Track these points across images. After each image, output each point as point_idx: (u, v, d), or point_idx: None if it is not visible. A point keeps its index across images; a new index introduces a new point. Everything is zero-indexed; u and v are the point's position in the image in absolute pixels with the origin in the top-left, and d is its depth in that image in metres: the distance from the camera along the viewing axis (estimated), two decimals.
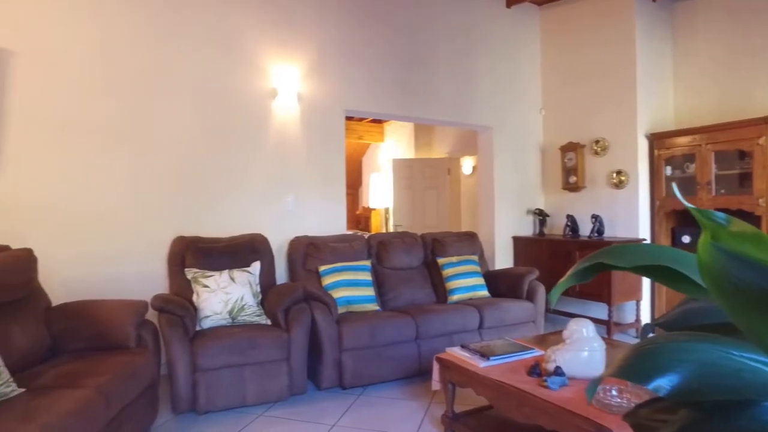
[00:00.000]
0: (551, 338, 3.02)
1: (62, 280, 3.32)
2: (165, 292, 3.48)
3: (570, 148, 5.35)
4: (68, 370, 2.29)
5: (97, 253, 3.43)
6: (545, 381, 2.04)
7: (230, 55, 3.87)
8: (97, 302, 2.82)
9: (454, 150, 7.52)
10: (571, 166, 5.36)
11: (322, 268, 3.67)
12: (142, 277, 3.53)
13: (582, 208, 5.25)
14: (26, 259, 2.67)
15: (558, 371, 2.05)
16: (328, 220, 4.20)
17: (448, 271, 4.13)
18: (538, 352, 2.56)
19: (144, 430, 2.66)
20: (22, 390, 2.03)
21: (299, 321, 3.07)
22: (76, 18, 3.40)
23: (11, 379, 2.01)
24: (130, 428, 2.45)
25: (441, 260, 4.22)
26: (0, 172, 3.23)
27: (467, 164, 7.46)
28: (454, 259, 4.23)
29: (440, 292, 4.13)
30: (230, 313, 3.14)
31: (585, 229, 5.11)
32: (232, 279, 3.23)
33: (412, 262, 4.20)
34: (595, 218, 4.86)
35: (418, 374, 3.48)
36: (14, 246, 2.81)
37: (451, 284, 4.06)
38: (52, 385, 2.12)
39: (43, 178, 3.32)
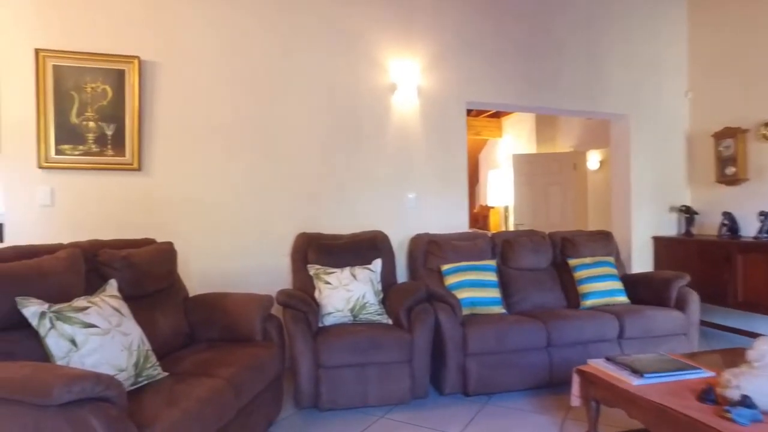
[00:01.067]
0: (716, 357, 2.57)
1: (197, 272, 3.54)
2: (288, 287, 3.55)
3: (727, 134, 4.62)
4: (204, 358, 2.37)
5: (227, 248, 3.61)
6: (728, 412, 1.67)
7: (349, 52, 3.87)
8: (228, 295, 2.92)
9: (579, 143, 6.95)
10: (728, 156, 4.63)
11: (444, 267, 3.51)
12: (267, 271, 3.64)
13: (744, 203, 4.50)
14: (168, 252, 2.84)
15: (747, 402, 1.66)
16: (449, 218, 4.02)
17: (580, 274, 3.75)
18: (706, 373, 2.16)
19: (269, 422, 2.70)
20: (166, 374, 2.13)
21: (422, 322, 2.94)
22: (206, 29, 3.61)
23: (157, 363, 2.11)
24: (258, 419, 2.48)
25: (572, 261, 3.85)
26: (149, 173, 3.52)
27: (594, 158, 6.85)
28: (587, 260, 3.82)
29: (571, 296, 3.76)
30: (352, 310, 3.10)
31: (748, 228, 4.38)
32: (354, 276, 3.19)
33: (540, 263, 3.87)
34: (765, 215, 4.12)
35: (549, 385, 3.17)
36: (158, 240, 3.03)
37: (585, 288, 3.67)
38: (191, 372, 2.19)
39: (182, 178, 3.56)
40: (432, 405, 3.02)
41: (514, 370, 3.10)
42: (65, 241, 3.32)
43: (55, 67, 3.39)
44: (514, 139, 8.11)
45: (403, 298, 3.10)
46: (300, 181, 3.75)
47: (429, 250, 3.66)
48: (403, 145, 3.96)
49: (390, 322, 3.13)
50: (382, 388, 2.89)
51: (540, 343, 3.15)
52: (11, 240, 3.35)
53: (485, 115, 8.24)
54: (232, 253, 3.61)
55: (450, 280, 3.43)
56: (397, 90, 3.91)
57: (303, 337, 2.79)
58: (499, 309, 3.43)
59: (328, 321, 3.09)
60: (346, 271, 3.23)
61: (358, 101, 3.87)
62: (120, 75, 3.47)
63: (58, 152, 3.39)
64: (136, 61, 3.47)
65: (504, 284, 3.68)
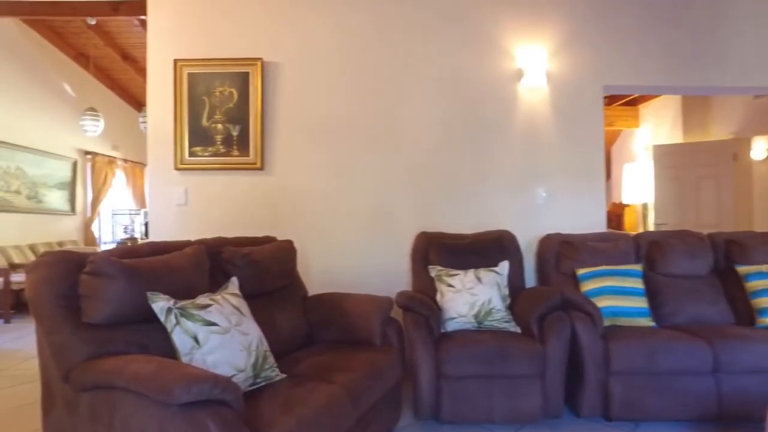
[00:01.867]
0: None
1: (316, 271, 3.52)
2: (408, 288, 3.39)
3: None
4: (321, 362, 2.28)
5: (346, 246, 3.54)
6: None
7: (470, 40, 3.60)
8: (347, 296, 2.83)
9: (741, 129, 5.94)
10: None
11: (580, 272, 3.10)
12: (386, 271, 3.52)
13: None
14: (288, 250, 2.82)
15: None
16: (584, 216, 3.58)
17: (754, 284, 3.10)
18: None
19: None
20: (284, 376, 2.06)
21: (557, 332, 2.59)
22: (323, 27, 3.59)
23: (275, 365, 2.05)
24: (376, 429, 2.34)
25: (742, 269, 3.21)
26: (271, 171, 3.58)
27: (759, 146, 5.81)
28: (763, 268, 3.16)
29: (741, 311, 3.13)
30: (476, 316, 2.84)
31: None
32: (479, 279, 2.94)
33: (697, 269, 3.28)
34: None
35: (717, 419, 2.64)
36: (279, 237, 3.03)
37: (762, 302, 3.03)
38: (308, 375, 2.11)
39: (301, 177, 3.57)
40: (567, 427, 2.66)
41: (668, 396, 2.63)
42: (197, 237, 3.49)
43: (189, 74, 3.58)
44: (654, 128, 7.22)
45: (534, 305, 2.77)
46: (421, 178, 3.57)
47: (562, 251, 3.27)
48: (531, 136, 3.60)
49: (518, 330, 2.83)
50: (509, 405, 2.60)
51: (703, 366, 2.63)
52: (154, 237, 3.60)
53: (619, 103, 7.45)
54: (351, 252, 3.54)
55: (587, 286, 3.02)
56: (524, 77, 3.57)
57: (424, 344, 2.60)
58: (647, 321, 2.95)
59: (451, 327, 2.87)
60: (470, 273, 2.98)
61: (480, 91, 3.59)
62: (245, 77, 3.57)
63: (191, 154, 3.58)
64: (259, 63, 3.54)
65: (651, 293, 3.17)
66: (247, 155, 3.57)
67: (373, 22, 3.59)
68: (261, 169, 3.56)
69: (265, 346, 2.02)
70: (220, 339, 1.81)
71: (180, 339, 1.76)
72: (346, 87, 3.58)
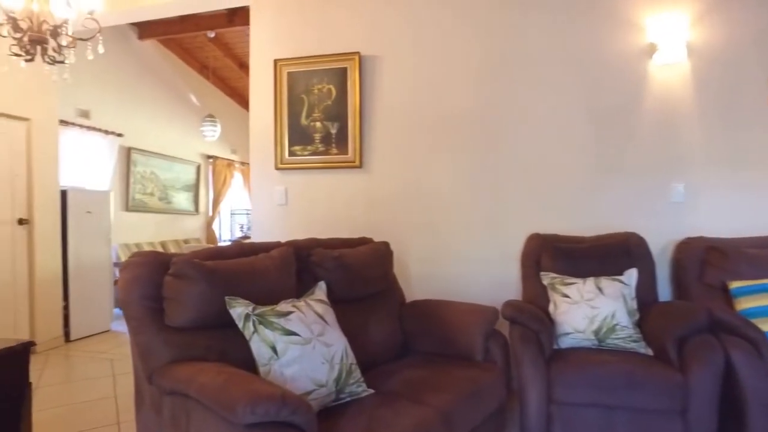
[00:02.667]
0: None
1: (415, 275, 3.30)
2: (516, 297, 3.05)
3: None
4: (415, 377, 2.06)
5: (448, 249, 3.28)
6: None
7: (590, 15, 3.14)
8: (446, 304, 2.58)
9: None
10: None
11: (734, 285, 2.53)
12: (491, 278, 3.20)
13: None
14: (384, 253, 2.64)
15: None
16: (738, 217, 2.94)
17: None
18: None
19: None
20: (371, 391, 1.87)
21: (703, 360, 2.10)
22: (422, 16, 3.34)
23: (362, 379, 1.87)
24: None
25: None
26: (369, 169, 3.44)
27: None
28: None
29: None
30: (596, 333, 2.43)
31: None
32: (600, 289, 2.52)
33: None
34: None
35: None
36: (376, 239, 2.87)
37: None
38: (398, 393, 1.90)
39: (401, 175, 3.38)
40: None
41: None
42: (295, 238, 3.45)
43: (288, 74, 3.57)
44: None
45: (672, 324, 2.30)
46: (532, 173, 3.19)
47: (707, 259, 2.71)
48: (666, 122, 3.05)
49: (650, 352, 2.36)
50: None
51: None
52: (256, 237, 3.64)
53: None
54: (454, 255, 3.27)
55: (745, 304, 2.45)
56: (657, 52, 3.03)
57: (533, 362, 2.26)
58: None
59: (565, 343, 2.49)
60: (590, 282, 2.57)
61: (602, 72, 3.12)
62: (342, 73, 3.47)
63: (291, 153, 3.56)
64: (356, 57, 3.42)
65: None
66: (346, 153, 3.46)
67: (477, 6, 3.28)
68: (359, 167, 3.43)
69: (351, 358, 1.85)
70: (300, 350, 1.66)
71: (258, 348, 1.64)
72: (448, 78, 3.32)
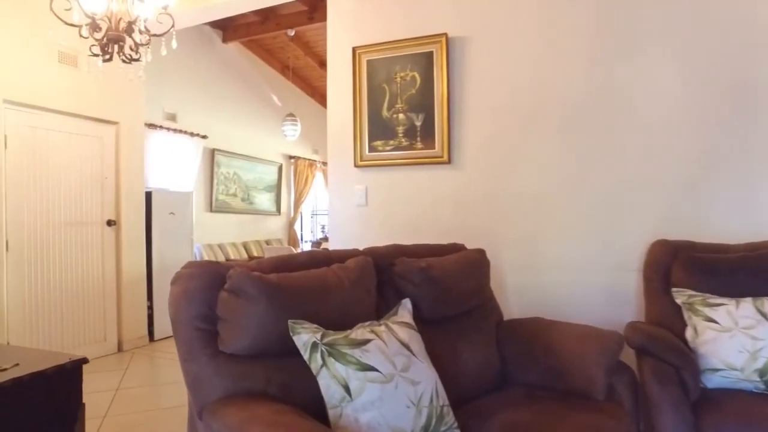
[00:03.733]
0: None
1: (512, 288, 2.86)
2: (635, 317, 2.52)
3: None
4: (519, 421, 1.64)
5: (551, 258, 2.80)
6: None
7: None
8: (555, 325, 2.13)
9: None
10: None
11: None
12: (603, 291, 2.68)
13: None
14: (479, 262, 2.24)
15: None
16: None
17: None
18: None
19: None
20: None
21: None
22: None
23: (455, 424, 1.49)
24: None
25: None
26: (459, 165, 3.04)
27: None
28: None
29: None
30: (762, 373, 1.87)
31: None
32: (763, 314, 1.95)
33: None
34: None
35: None
36: (468, 245, 2.47)
37: None
38: None
39: (496, 172, 2.95)
40: None
41: None
42: (376, 242, 3.13)
43: (368, 62, 3.26)
44: None
45: None
46: (657, 166, 2.62)
47: None
48: None
49: None
50: None
51: None
52: (334, 241, 3.37)
53: None
54: (559, 264, 2.79)
55: None
56: None
57: (675, 409, 1.76)
58: None
59: (713, 383, 1.95)
60: (747, 304, 2.00)
61: (746, 40, 2.50)
62: (428, 58, 3.10)
63: (371, 149, 3.25)
64: (443, 39, 3.03)
65: None
66: (432, 147, 3.09)
67: None
68: (448, 163, 3.05)
69: (442, 398, 1.47)
70: (379, 390, 1.31)
71: (327, 386, 1.31)
72: (553, 57, 2.83)
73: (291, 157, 8.44)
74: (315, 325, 1.40)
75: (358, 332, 1.43)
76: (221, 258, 6.53)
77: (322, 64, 8.09)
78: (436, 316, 1.94)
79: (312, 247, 6.49)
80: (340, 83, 3.35)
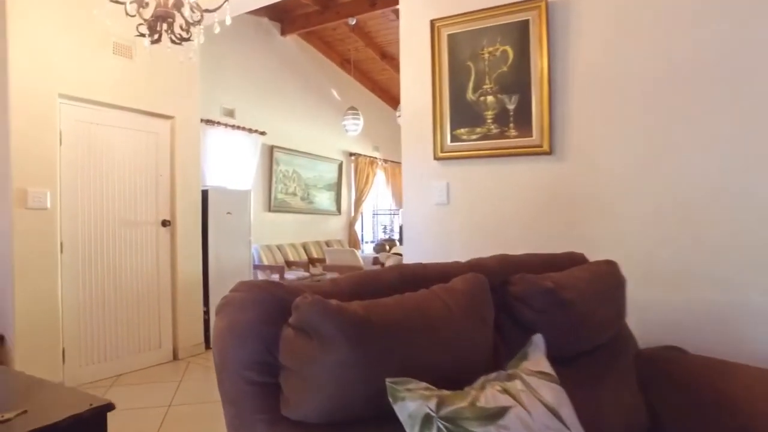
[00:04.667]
0: None
1: (638, 305, 2.28)
2: None
3: None
4: None
5: (692, 271, 2.20)
6: None
7: None
8: (728, 367, 1.55)
9: None
10: None
11: None
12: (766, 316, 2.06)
13: None
14: (614, 279, 1.69)
15: None
16: None
17: None
18: None
19: None
20: None
21: None
22: None
23: None
24: None
25: None
26: (563, 156, 2.50)
27: None
28: None
29: None
30: None
31: None
32: None
33: None
34: None
35: None
36: (585, 254, 1.93)
37: None
38: None
39: (612, 164, 2.38)
40: None
41: None
42: (461, 248, 2.63)
43: (449, 36, 2.77)
44: None
45: None
46: None
47: None
48: None
49: None
50: None
51: None
52: (409, 245, 2.91)
53: None
54: (702, 279, 2.17)
55: None
56: None
57: None
58: None
59: None
60: None
61: None
62: (522, 28, 2.57)
63: (453, 139, 2.76)
64: (542, 4, 2.50)
65: None
66: (529, 135, 2.56)
67: None
68: (548, 153, 2.51)
69: None
70: None
71: None
72: (682, 14, 2.24)
73: (351, 155, 8.07)
74: (424, 385, 0.93)
75: (487, 394, 0.95)
76: (280, 260, 6.24)
77: (384, 55, 7.66)
78: (567, 352, 1.43)
79: (375, 250, 6.09)
80: (416, 64, 2.88)
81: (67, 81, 3.42)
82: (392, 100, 9.28)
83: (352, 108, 6.51)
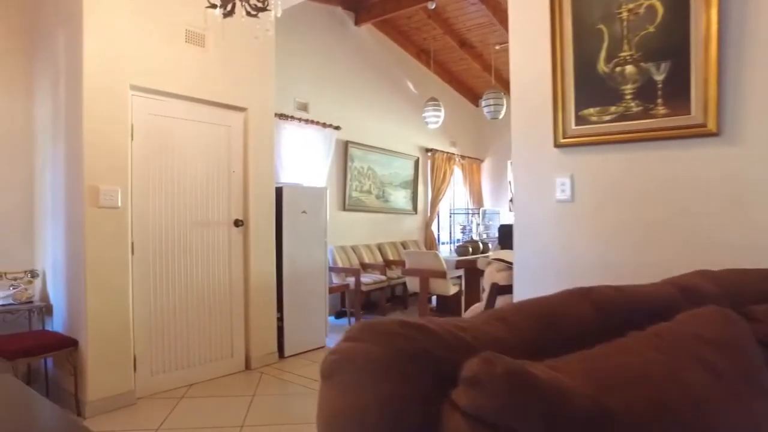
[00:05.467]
0: None
1: None
2: None
3: None
4: None
5: None
6: None
7: None
8: None
9: None
10: None
11: None
12: None
13: None
14: None
15: None
16: None
17: None
18: None
19: None
20: None
21: None
22: None
23: None
24: None
25: None
26: (736, 138, 1.91)
27: None
28: None
29: None
30: None
31: None
32: None
33: None
34: None
35: None
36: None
37: None
38: None
39: None
40: None
41: None
42: (589, 261, 2.11)
43: None
44: None
45: None
46: None
47: None
48: None
49: None
50: None
51: None
52: (522, 251, 2.41)
53: None
54: None
55: None
56: None
57: None
58: None
59: None
60: None
61: None
62: None
63: (579, 121, 2.24)
64: None
65: None
66: (685, 111, 1.99)
67: None
68: (715, 134, 1.93)
69: None
70: None
71: None
72: None
73: (428, 150, 7.61)
74: None
75: None
76: (355, 262, 5.89)
77: (463, 43, 7.14)
78: None
79: (457, 252, 5.58)
80: (529, 31, 2.38)
81: (139, 72, 3.21)
82: (469, 92, 8.74)
83: (433, 99, 6.04)
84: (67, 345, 2.99)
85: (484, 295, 3.05)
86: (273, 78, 4.07)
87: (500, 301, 2.68)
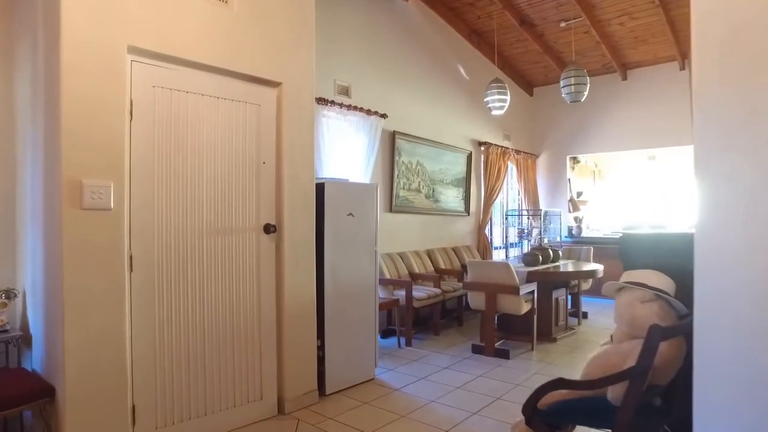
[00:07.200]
0: None
1: None
2: None
3: None
4: None
5: None
6: None
7: None
8: None
9: None
10: None
11: None
12: None
13: None
14: None
15: None
16: None
17: None
18: None
19: None
20: None
21: None
22: None
23: None
24: None
25: None
26: None
27: None
28: None
29: None
30: None
31: None
32: None
33: None
34: None
35: None
36: None
37: None
38: None
39: None
40: None
41: None
42: None
43: None
44: None
45: None
46: None
47: None
48: None
49: None
50: None
51: None
52: (710, 264, 1.50)
53: None
54: None
55: None
56: None
57: None
58: None
59: None
60: None
61: None
62: None
63: None
64: None
65: None
66: None
67: None
68: None
69: None
70: None
71: None
72: None
73: (480, 144, 6.70)
74: None
75: None
76: (404, 272, 5.03)
77: (523, 21, 6.20)
78: None
79: (525, 262, 4.69)
80: None
81: (140, 29, 2.42)
82: (522, 79, 7.78)
83: (497, 81, 5.15)
84: (39, 395, 2.22)
85: (615, 337, 2.14)
86: (313, 47, 3.25)
87: (661, 347, 1.78)
